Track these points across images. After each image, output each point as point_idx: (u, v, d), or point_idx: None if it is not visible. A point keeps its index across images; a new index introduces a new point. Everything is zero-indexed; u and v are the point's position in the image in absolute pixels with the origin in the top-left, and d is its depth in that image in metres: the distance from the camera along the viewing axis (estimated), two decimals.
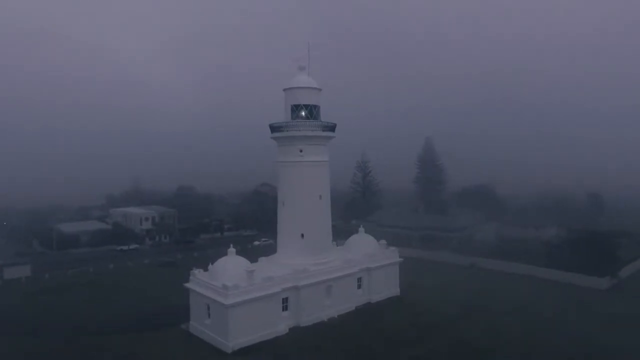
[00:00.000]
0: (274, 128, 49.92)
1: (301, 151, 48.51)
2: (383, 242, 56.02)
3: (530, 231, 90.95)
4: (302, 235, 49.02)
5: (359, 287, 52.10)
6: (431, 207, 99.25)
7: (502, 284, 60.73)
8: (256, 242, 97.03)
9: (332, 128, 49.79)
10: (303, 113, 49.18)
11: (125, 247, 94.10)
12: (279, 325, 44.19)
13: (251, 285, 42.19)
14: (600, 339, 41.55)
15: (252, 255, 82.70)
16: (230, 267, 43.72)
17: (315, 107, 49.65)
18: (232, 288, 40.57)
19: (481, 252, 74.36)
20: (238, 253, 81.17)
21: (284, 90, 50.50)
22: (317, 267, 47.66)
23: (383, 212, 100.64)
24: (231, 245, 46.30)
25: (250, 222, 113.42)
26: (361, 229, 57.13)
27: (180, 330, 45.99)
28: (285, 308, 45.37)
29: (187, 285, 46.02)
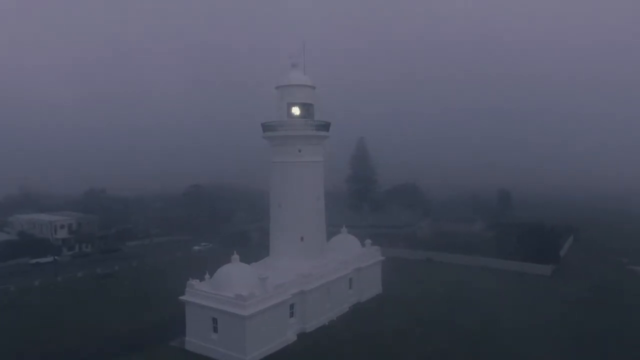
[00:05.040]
0: (267, 127, 47.49)
1: (300, 151, 46.85)
2: (368, 241, 56.55)
3: (461, 225, 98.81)
4: (302, 238, 47.37)
5: (350, 287, 51.95)
6: (370, 206, 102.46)
7: (465, 276, 64.97)
8: (196, 247, 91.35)
9: (327, 127, 48.87)
10: (299, 111, 47.54)
11: (40, 260, 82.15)
12: (288, 333, 42.31)
13: (266, 293, 39.72)
14: (577, 319, 46.95)
15: (198, 261, 78.16)
16: (240, 275, 40.63)
17: (311, 105, 48.32)
18: (249, 297, 37.78)
19: (433, 247, 78.87)
20: (180, 260, 76.25)
21: (277, 87, 48.28)
22: (320, 270, 46.52)
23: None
24: (234, 252, 42.90)
25: (182, 226, 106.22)
26: (344, 229, 56.89)
27: (173, 349, 41.56)
28: (291, 314, 43.55)
29: (183, 298, 41.69)
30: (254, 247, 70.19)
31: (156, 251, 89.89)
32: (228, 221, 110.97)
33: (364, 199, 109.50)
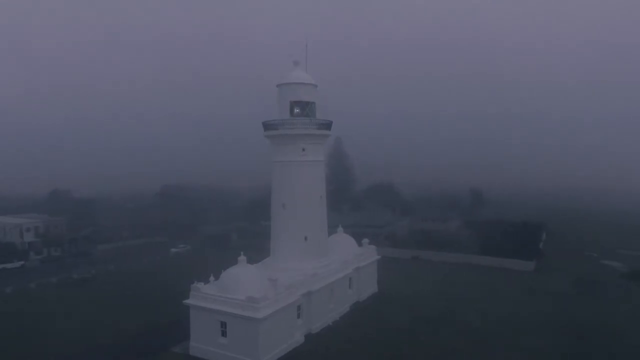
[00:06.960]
0: (269, 126, 46.52)
1: (304, 150, 46.19)
2: (366, 240, 56.61)
3: (439, 224, 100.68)
4: (305, 238, 46.74)
5: (350, 287, 51.76)
6: (349, 206, 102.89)
7: (453, 273, 66.30)
8: (174, 249, 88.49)
9: (329, 126, 48.43)
10: (302, 110, 46.86)
11: (8, 265, 77.16)
12: (296, 334, 41.64)
13: (277, 295, 38.89)
14: (571, 311, 48.85)
15: (179, 263, 75.77)
16: (249, 277, 39.55)
17: (313, 103, 47.74)
18: (262, 300, 36.85)
19: (415, 245, 79.98)
20: (159, 262, 74.22)
21: (279, 85, 47.40)
22: (324, 270, 46.09)
23: None
24: (241, 254, 41.68)
25: (157, 228, 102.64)
26: (340, 229, 56.60)
27: (177, 355, 39.96)
28: (298, 316, 42.87)
29: (188, 301, 40.13)
30: (235, 249, 68.71)
31: (131, 254, 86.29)
32: (204, 222, 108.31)
33: (342, 198, 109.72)
